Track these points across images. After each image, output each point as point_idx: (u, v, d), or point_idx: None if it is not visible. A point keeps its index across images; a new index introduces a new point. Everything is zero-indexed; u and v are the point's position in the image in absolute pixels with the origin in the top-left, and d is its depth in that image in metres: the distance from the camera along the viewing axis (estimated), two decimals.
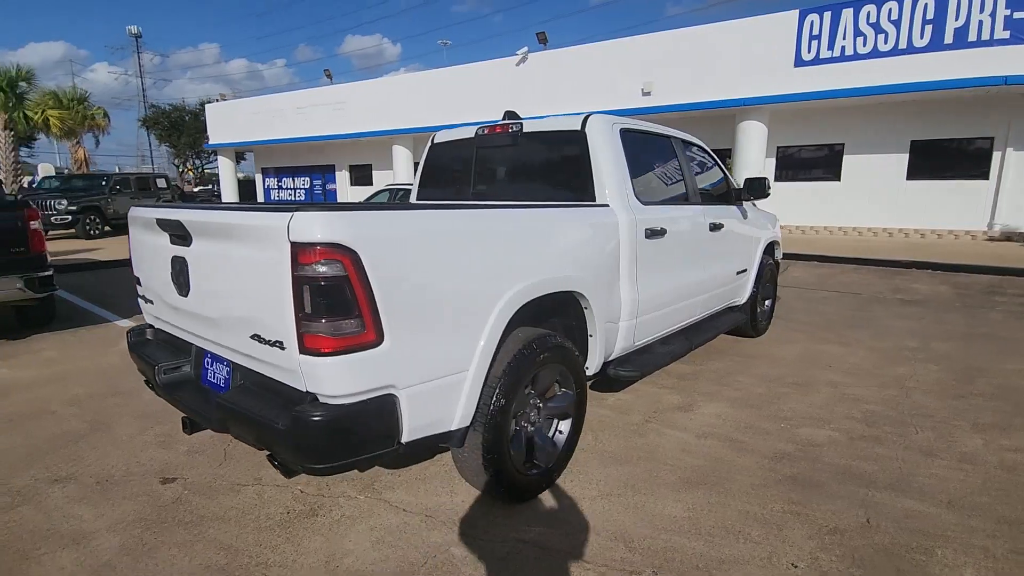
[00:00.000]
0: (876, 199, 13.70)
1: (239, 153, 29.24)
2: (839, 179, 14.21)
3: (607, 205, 2.99)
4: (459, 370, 2.07)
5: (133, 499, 2.62)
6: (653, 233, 3.21)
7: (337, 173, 24.38)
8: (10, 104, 17.74)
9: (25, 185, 18.86)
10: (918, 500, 2.53)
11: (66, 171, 25.87)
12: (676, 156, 3.78)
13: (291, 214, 1.68)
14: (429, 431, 2.05)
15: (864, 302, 6.90)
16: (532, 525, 2.38)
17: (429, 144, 4.02)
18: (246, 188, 29.98)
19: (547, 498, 2.59)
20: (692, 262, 3.76)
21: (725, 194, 4.41)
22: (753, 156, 13.71)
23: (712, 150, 4.44)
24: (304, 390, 1.80)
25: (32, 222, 5.17)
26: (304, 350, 1.72)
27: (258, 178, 27.98)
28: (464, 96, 17.16)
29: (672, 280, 3.51)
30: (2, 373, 4.50)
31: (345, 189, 24.37)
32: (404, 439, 1.96)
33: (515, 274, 2.26)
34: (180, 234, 2.15)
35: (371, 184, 22.41)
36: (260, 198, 27.38)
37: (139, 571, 2.12)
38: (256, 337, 1.88)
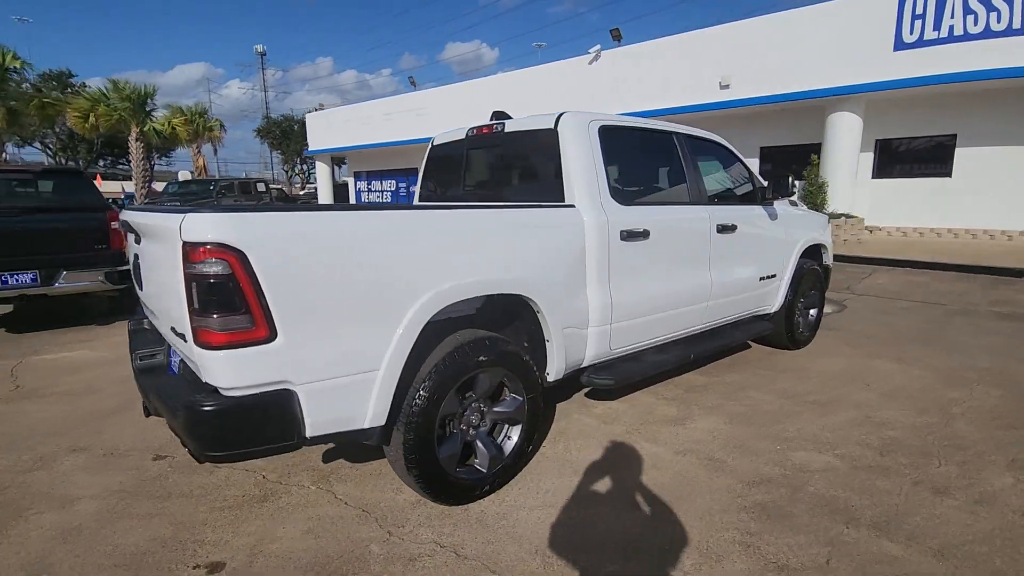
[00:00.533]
0: (994, 197, 11.98)
1: (337, 159, 31.33)
2: (950, 175, 12.58)
3: (572, 205, 2.88)
4: (368, 369, 2.10)
5: (124, 471, 2.91)
6: (631, 235, 3.04)
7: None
8: (140, 118, 20.25)
9: (154, 189, 21.51)
10: (901, 544, 2.20)
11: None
12: (678, 154, 3.56)
13: (184, 216, 1.80)
14: (337, 427, 2.09)
15: (948, 314, 6.07)
16: (458, 529, 2.36)
17: (430, 145, 4.09)
18: (341, 191, 32.03)
19: (487, 504, 2.55)
20: (691, 266, 3.52)
21: (749, 194, 4.08)
22: (845, 151, 12.51)
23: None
24: (203, 381, 1.91)
25: (113, 223, 5.89)
26: (198, 343, 1.83)
27: (351, 182, 29.82)
28: (536, 97, 17.17)
29: (661, 285, 3.31)
30: (81, 353, 5.17)
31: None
32: (308, 434, 2.02)
33: (435, 276, 2.24)
34: (135, 233, 2.36)
35: None
36: (352, 200, 29.15)
37: (99, 536, 2.36)
38: (172, 329, 2.03)
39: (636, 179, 3.49)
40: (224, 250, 1.77)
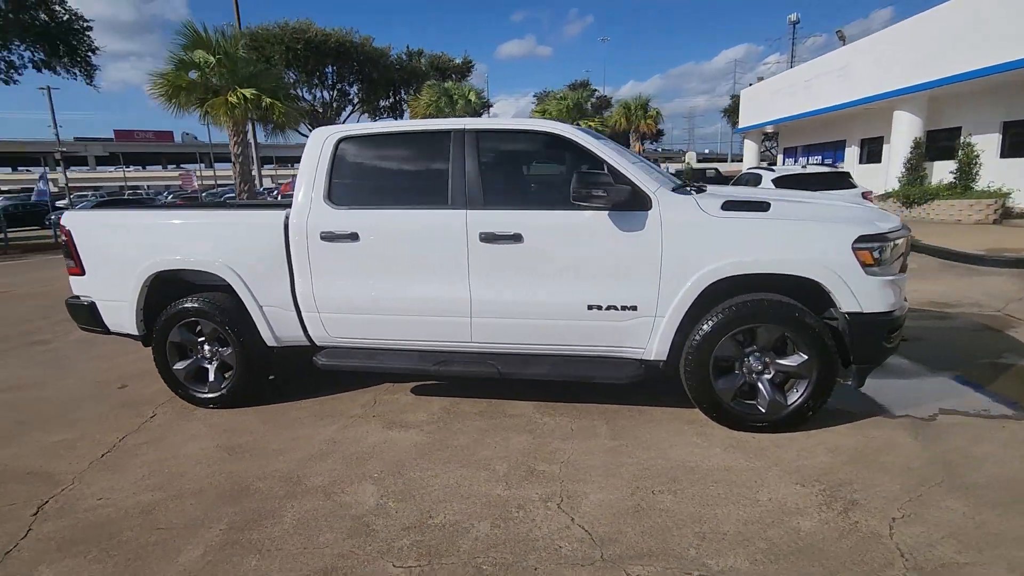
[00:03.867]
0: None
1: (768, 135, 29.33)
2: None
3: (286, 208, 3.48)
4: (124, 299, 3.71)
5: (97, 387, 5.29)
6: (333, 236, 3.33)
7: (847, 149, 21.14)
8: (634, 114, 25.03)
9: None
10: None
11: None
12: (449, 155, 3.28)
13: (64, 212, 3.87)
14: (118, 329, 3.82)
15: None
16: None
17: None
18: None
19: None
20: (432, 274, 3.27)
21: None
22: None
23: None
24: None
25: None
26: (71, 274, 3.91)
27: (779, 158, 27.45)
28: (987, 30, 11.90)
29: (382, 286, 3.34)
30: None
31: (854, 167, 20.90)
32: (111, 330, 3.85)
33: (150, 253, 3.58)
34: None
35: (879, 161, 18.49)
36: None
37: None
38: None
39: (368, 184, 3.45)
40: (67, 229, 3.75)
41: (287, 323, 3.57)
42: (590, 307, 3.15)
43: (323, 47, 23.59)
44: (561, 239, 3.17)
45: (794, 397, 3.09)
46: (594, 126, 24.24)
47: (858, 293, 2.91)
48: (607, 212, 3.07)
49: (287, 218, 3.43)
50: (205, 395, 3.76)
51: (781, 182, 8.82)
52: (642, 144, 31.31)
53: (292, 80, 26.99)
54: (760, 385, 3.12)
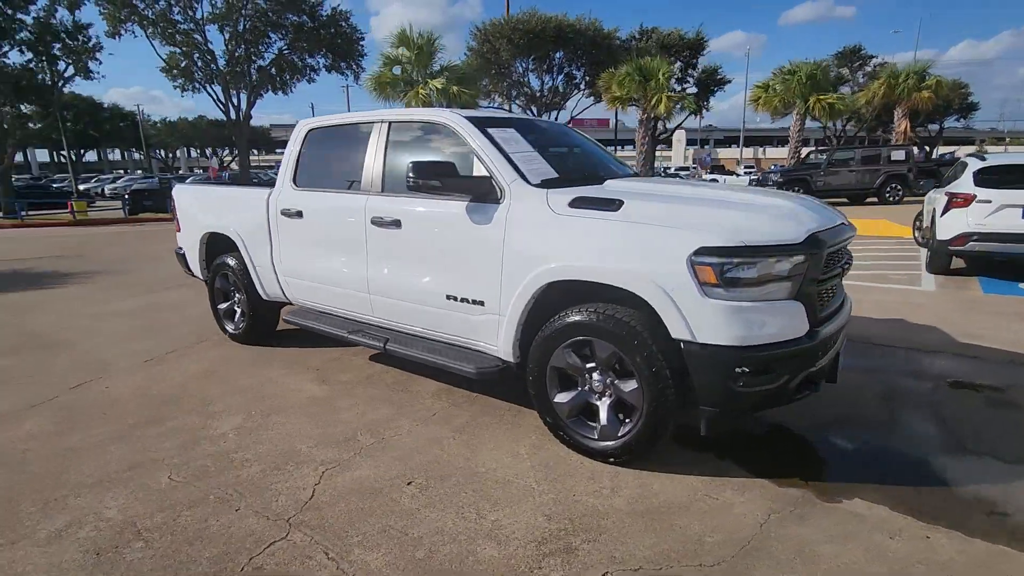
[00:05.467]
0: None
1: None
2: None
3: (270, 187, 4.23)
4: (194, 251, 4.99)
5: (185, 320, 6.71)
6: (287, 213, 3.98)
7: None
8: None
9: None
10: None
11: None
12: (369, 144, 3.59)
13: (175, 186, 5.31)
14: (196, 273, 5.16)
15: None
16: None
17: None
18: None
19: None
20: (343, 251, 3.65)
21: (480, 186, 3.07)
22: None
23: None
24: None
25: None
26: (176, 231, 5.37)
27: None
28: None
29: (316, 259, 3.86)
30: None
31: None
32: (194, 274, 5.22)
33: (204, 218, 4.73)
34: None
35: None
36: None
37: None
38: None
39: (320, 169, 3.85)
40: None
41: (271, 281, 4.38)
42: (448, 297, 3.18)
43: (543, 34, 24.77)
44: (429, 227, 3.24)
45: (624, 429, 2.66)
46: (832, 102, 20.60)
47: (690, 318, 2.36)
48: (466, 203, 3.04)
49: (269, 196, 4.20)
50: (231, 331, 4.85)
51: (983, 174, 6.53)
52: (914, 122, 25.17)
53: (521, 69, 28.99)
54: (601, 407, 2.76)
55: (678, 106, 24.71)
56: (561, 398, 2.84)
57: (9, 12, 18.22)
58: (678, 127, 41.50)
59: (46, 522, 2.35)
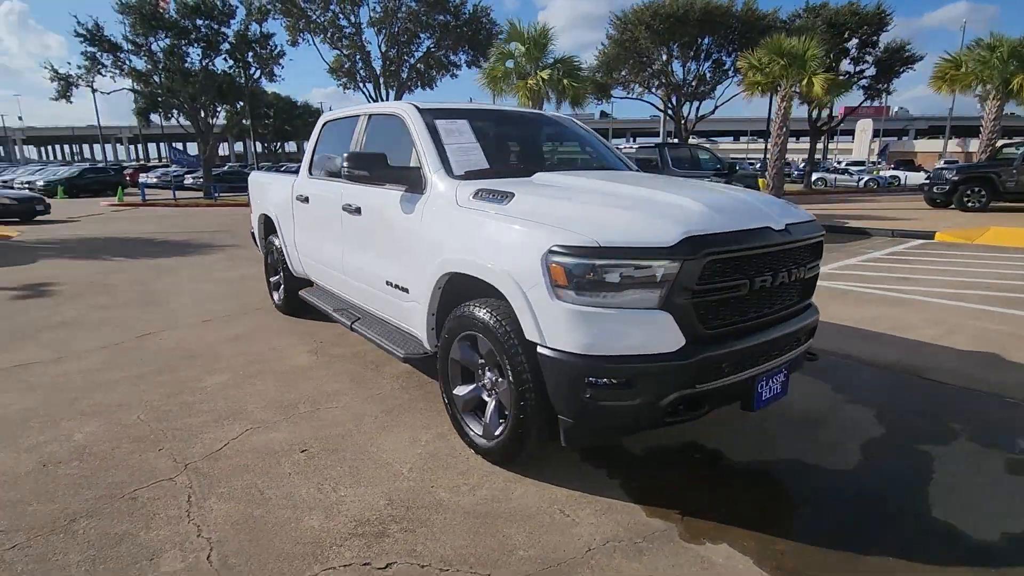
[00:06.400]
0: None
1: None
2: None
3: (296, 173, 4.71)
4: (257, 229, 5.73)
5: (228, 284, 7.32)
6: (300, 198, 4.41)
7: None
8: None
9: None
10: None
11: None
12: (357, 135, 3.84)
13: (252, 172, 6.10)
14: (260, 248, 5.92)
15: None
16: None
17: None
18: None
19: None
20: (329, 234, 3.95)
21: (405, 176, 3.20)
22: None
23: None
24: None
25: None
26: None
27: None
28: None
29: (316, 241, 4.23)
30: None
31: None
32: (259, 249, 6.00)
33: (261, 200, 5.40)
34: None
35: None
36: None
37: None
38: None
39: (324, 159, 4.14)
40: None
41: (296, 259, 4.88)
42: (387, 282, 3.31)
43: (686, 18, 23.28)
44: (377, 215, 3.39)
45: (499, 430, 2.57)
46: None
47: (542, 319, 2.22)
48: (401, 193, 3.14)
49: (293, 183, 4.68)
50: (276, 302, 5.50)
51: None
52: None
53: (665, 57, 27.64)
54: (488, 404, 2.70)
55: (840, 92, 21.72)
56: (460, 391, 2.83)
57: (215, 27, 22.00)
58: (854, 112, 36.48)
59: (34, 436, 2.98)
